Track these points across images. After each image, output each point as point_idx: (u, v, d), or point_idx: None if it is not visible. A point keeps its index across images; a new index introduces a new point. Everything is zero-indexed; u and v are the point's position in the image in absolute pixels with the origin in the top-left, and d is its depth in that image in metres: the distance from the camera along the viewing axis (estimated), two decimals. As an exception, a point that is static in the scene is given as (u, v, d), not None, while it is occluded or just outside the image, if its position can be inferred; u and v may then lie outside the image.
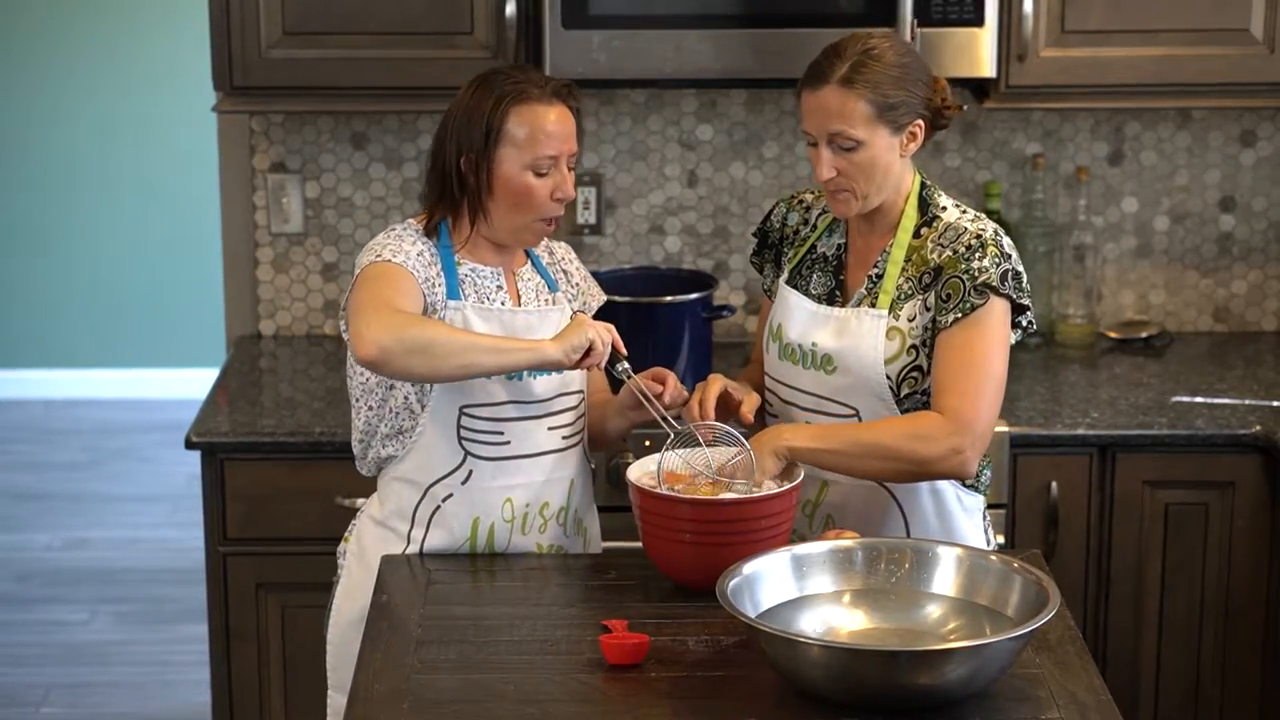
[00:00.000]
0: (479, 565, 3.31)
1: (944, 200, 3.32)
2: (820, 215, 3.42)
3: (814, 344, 3.31)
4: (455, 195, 3.29)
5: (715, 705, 2.81)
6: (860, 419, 3.28)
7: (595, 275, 3.99)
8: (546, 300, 3.39)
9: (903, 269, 3.27)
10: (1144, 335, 4.57)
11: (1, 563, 6.12)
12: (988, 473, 3.38)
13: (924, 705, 2.75)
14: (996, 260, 3.21)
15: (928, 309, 3.24)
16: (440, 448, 3.30)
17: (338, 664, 3.39)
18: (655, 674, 2.89)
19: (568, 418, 3.36)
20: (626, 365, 3.24)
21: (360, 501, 3.51)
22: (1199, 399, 4.18)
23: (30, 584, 5.97)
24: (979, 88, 4.33)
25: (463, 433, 3.29)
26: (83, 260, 7.60)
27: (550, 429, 3.34)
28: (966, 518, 3.34)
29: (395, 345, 3.08)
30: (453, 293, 3.27)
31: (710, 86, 4.48)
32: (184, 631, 5.57)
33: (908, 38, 3.99)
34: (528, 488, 3.33)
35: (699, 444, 3.23)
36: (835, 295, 3.34)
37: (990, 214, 4.33)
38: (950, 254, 3.23)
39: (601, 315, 3.40)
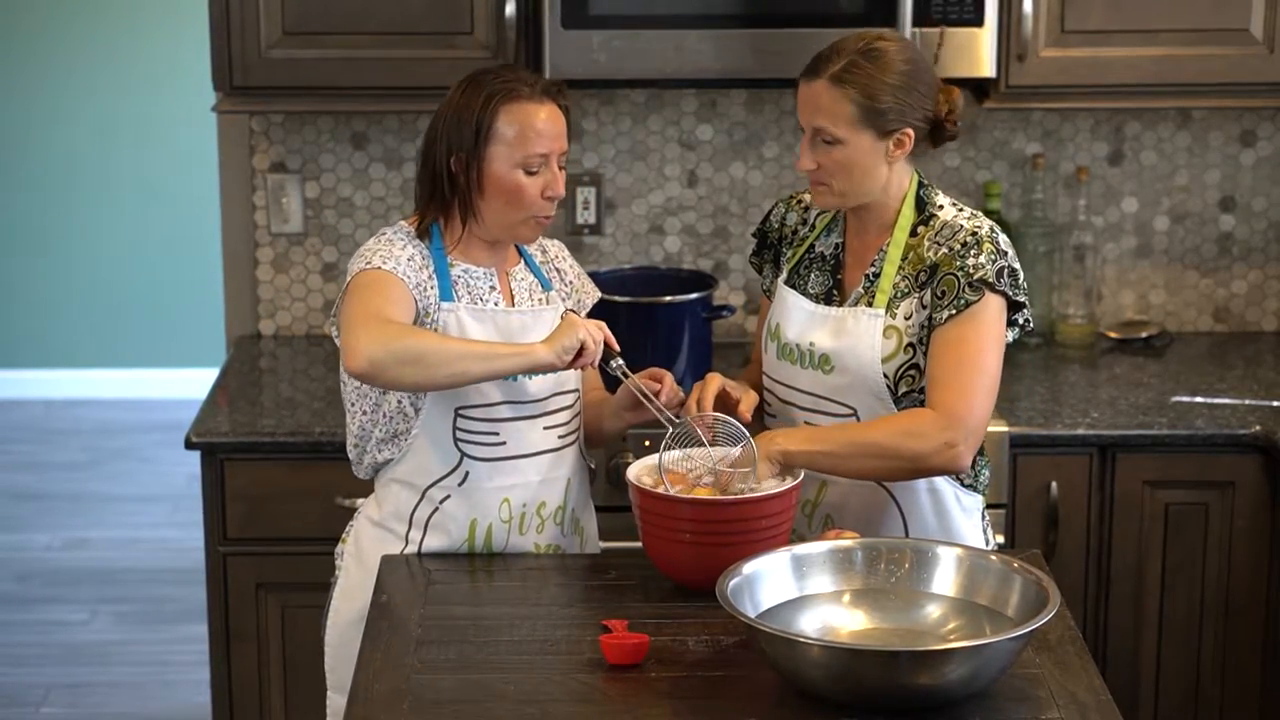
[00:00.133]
0: (478, 565, 3.31)
1: (941, 199, 3.31)
2: (819, 215, 3.41)
3: (812, 344, 3.31)
4: (446, 195, 3.28)
5: (715, 705, 2.81)
6: (859, 418, 3.27)
7: (595, 275, 3.99)
8: (540, 299, 3.38)
9: (900, 268, 3.27)
10: (1144, 335, 4.57)
11: (1, 563, 6.12)
12: (986, 472, 3.38)
13: (924, 705, 2.74)
14: (992, 257, 3.20)
15: (924, 307, 3.23)
16: (436, 450, 3.30)
17: (336, 665, 3.38)
18: (655, 674, 2.89)
19: (563, 417, 3.36)
20: (621, 362, 3.24)
21: (359, 502, 3.51)
22: (1199, 399, 4.18)
23: (30, 584, 5.97)
24: (979, 88, 4.32)
25: (458, 434, 3.29)
26: (83, 260, 7.60)
27: (546, 429, 3.33)
28: (965, 517, 3.34)
29: (386, 357, 3.08)
30: (446, 294, 3.27)
31: (710, 86, 4.47)
32: (184, 631, 5.57)
33: (907, 37, 3.99)
34: (524, 488, 3.33)
35: (697, 438, 3.22)
36: (833, 295, 3.34)
37: (990, 214, 4.33)
38: (946, 251, 3.22)
39: (601, 315, 3.38)
